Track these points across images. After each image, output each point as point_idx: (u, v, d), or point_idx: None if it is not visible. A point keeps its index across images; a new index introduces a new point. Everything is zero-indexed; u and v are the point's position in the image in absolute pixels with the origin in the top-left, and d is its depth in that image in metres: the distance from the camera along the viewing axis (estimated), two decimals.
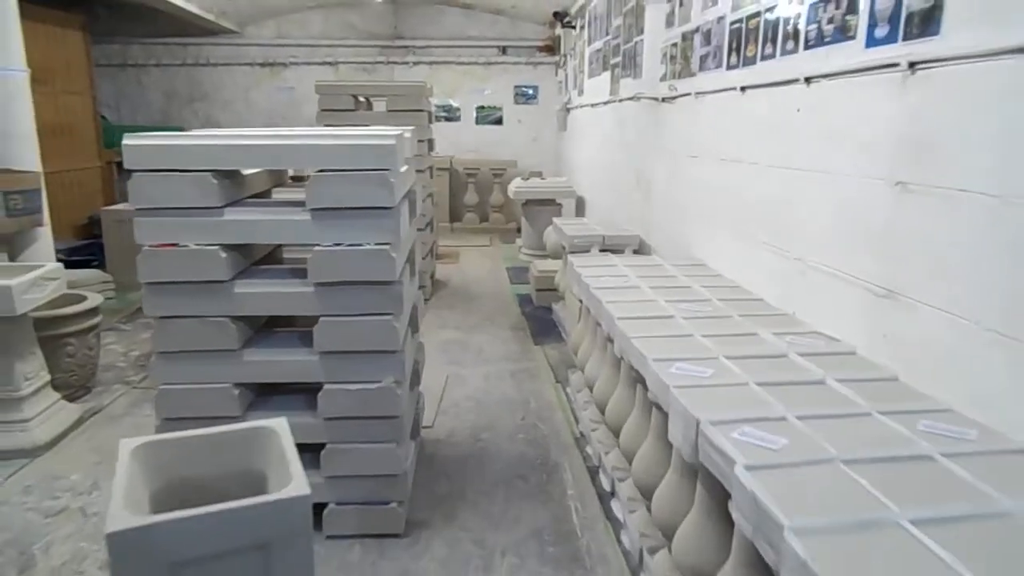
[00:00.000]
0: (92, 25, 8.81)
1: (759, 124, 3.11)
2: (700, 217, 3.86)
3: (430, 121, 6.15)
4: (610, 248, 4.70)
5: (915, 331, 2.08)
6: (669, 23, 4.35)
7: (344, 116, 5.56)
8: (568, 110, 8.37)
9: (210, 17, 8.36)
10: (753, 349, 2.36)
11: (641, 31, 4.89)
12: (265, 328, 2.66)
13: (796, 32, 2.73)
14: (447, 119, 9.68)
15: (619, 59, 5.68)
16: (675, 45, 4.23)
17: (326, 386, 2.43)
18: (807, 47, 2.66)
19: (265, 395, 2.58)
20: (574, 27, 7.81)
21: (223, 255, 2.29)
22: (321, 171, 2.29)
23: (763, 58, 3.04)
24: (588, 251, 4.70)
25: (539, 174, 9.12)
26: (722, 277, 3.42)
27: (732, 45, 3.37)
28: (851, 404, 1.89)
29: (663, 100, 4.47)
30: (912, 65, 2.04)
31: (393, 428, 2.49)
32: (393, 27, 9.38)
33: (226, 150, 2.27)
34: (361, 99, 5.97)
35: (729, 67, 3.41)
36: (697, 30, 3.83)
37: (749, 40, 3.18)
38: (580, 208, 7.42)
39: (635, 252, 4.77)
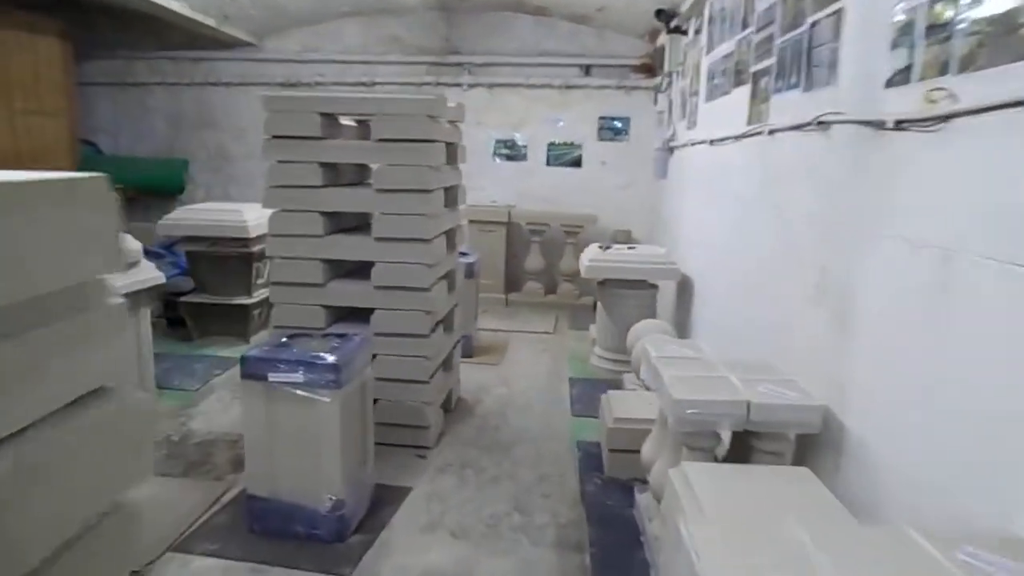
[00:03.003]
0: (90, 37, 7.22)
1: None
2: None
3: (455, 159, 3.93)
4: (761, 430, 2.28)
5: None
6: None
7: (308, 148, 3.42)
8: (671, 149, 5.99)
9: (210, 23, 6.55)
10: None
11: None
12: None
13: None
14: (509, 158, 7.48)
15: (770, 62, 3.30)
16: (942, 2, 1.81)
17: None
18: None
19: None
20: (685, 32, 5.48)
21: None
22: None
23: None
24: (715, 432, 2.29)
25: (627, 235, 6.78)
26: None
27: None
28: None
29: (898, 126, 2.05)
30: None
31: None
32: (445, 40, 7.32)
33: None
34: (349, 122, 3.85)
35: None
36: None
37: None
38: (686, 294, 4.96)
39: (814, 438, 2.31)
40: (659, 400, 2.49)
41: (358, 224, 3.78)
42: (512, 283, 7.26)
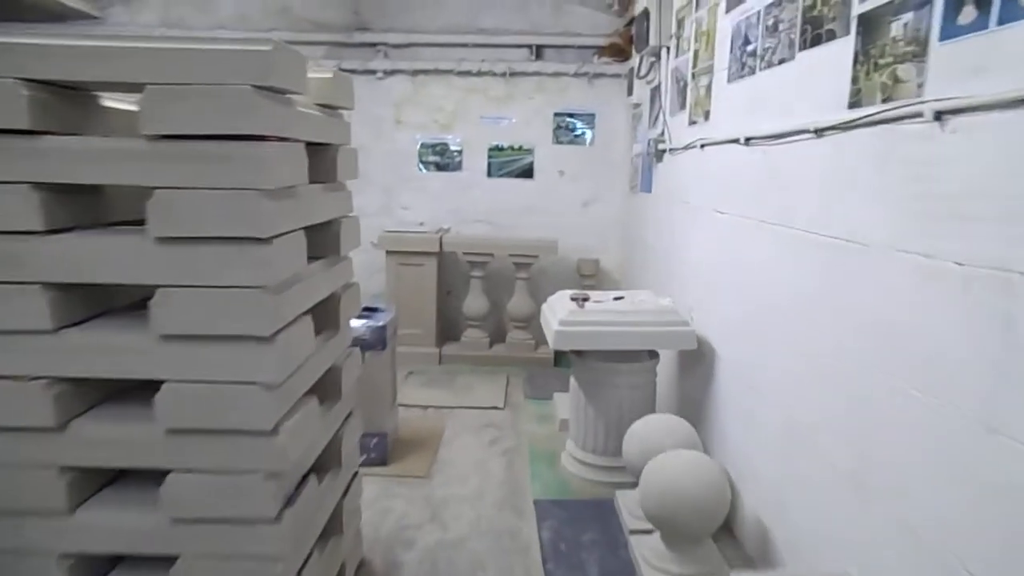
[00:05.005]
0: None
1: None
2: None
3: (333, 172, 2.21)
4: None
5: None
6: None
7: (9, 152, 1.65)
8: (660, 154, 4.41)
9: None
10: None
11: None
12: None
13: None
14: (439, 167, 5.77)
15: None
16: None
17: None
18: None
19: None
20: None
21: None
22: None
23: None
24: None
25: (595, 266, 5.21)
26: None
27: None
28: None
29: None
30: None
31: None
32: (353, 12, 5.58)
33: None
34: (128, 106, 2.08)
35: None
36: None
37: None
38: (700, 369, 3.35)
39: None
40: None
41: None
42: (447, 332, 5.56)
